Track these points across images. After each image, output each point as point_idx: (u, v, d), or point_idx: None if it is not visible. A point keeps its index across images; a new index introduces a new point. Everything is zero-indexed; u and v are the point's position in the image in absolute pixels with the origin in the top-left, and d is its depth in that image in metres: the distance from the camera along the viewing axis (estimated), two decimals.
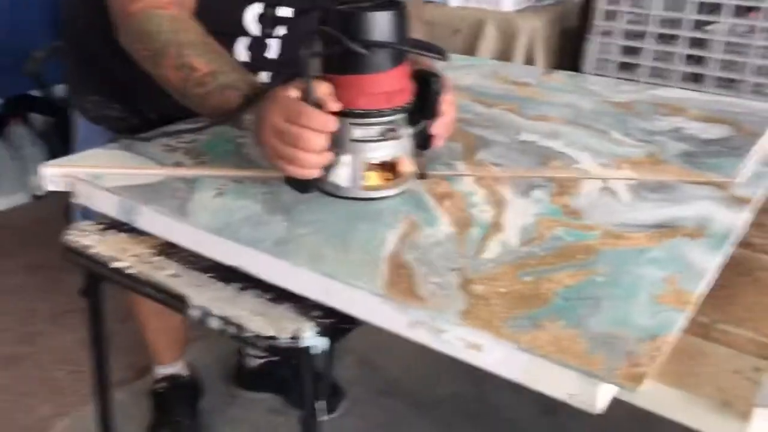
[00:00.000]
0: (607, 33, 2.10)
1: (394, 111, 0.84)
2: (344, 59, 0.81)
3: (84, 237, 0.92)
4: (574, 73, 1.62)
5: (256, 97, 0.85)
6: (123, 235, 0.92)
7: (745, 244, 0.85)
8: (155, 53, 0.90)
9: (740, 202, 0.88)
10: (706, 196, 0.89)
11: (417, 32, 1.08)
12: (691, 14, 1.98)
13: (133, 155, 0.99)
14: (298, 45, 0.80)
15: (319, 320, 0.75)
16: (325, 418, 0.96)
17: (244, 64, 1.08)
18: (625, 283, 0.70)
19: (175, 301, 0.82)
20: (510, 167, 0.97)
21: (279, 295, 0.78)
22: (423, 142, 0.91)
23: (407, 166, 0.89)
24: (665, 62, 2.06)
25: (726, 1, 1.91)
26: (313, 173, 0.81)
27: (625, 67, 2.13)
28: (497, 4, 2.25)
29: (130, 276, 0.86)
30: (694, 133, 1.11)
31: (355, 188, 0.86)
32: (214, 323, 0.78)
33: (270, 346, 0.74)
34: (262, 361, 1.68)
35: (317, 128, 0.78)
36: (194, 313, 0.80)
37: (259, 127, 0.82)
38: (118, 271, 0.87)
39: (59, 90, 1.41)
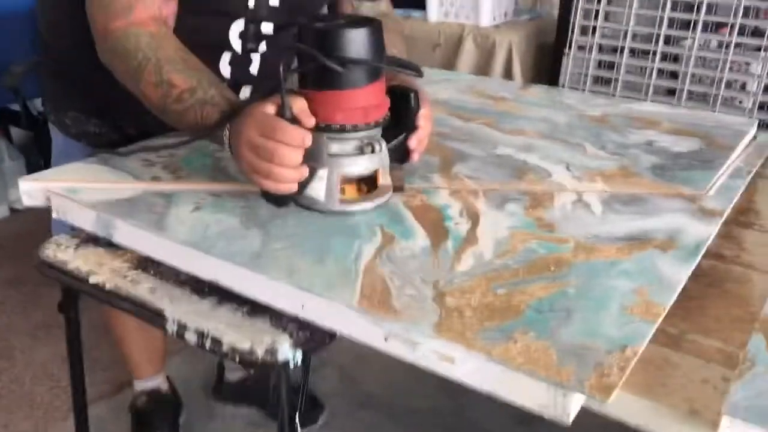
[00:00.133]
0: (582, 48, 2.14)
1: (371, 126, 0.85)
2: (320, 75, 0.82)
3: (60, 251, 0.92)
4: (550, 87, 1.64)
5: (234, 112, 0.85)
6: (100, 249, 0.92)
7: (715, 255, 0.86)
8: (134, 70, 0.91)
9: (711, 214, 0.90)
10: (677, 208, 0.91)
11: (397, 46, 1.09)
12: (664, 30, 2.01)
13: (112, 169, 0.99)
14: (277, 61, 0.81)
15: (295, 333, 0.76)
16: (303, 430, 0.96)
17: (227, 79, 1.09)
18: (596, 295, 0.71)
19: (153, 316, 0.82)
20: (485, 180, 0.99)
21: (255, 308, 0.78)
22: (400, 155, 0.92)
23: (384, 179, 0.90)
24: (640, 76, 2.09)
25: (698, 18, 1.95)
26: (289, 188, 0.82)
27: (600, 81, 2.17)
28: (476, 19, 2.27)
29: (107, 291, 0.86)
30: (666, 146, 1.13)
31: (332, 202, 0.87)
32: (191, 337, 0.78)
33: (246, 359, 0.74)
34: (242, 374, 1.67)
35: (292, 143, 0.78)
36: (170, 327, 0.80)
37: (236, 142, 0.83)
38: (95, 286, 0.86)
39: (38, 104, 1.41)
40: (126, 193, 0.92)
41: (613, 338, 0.64)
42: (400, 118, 0.90)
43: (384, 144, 0.88)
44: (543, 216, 0.88)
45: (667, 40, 2.04)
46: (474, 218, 0.87)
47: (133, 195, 0.92)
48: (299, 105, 0.81)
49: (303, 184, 0.84)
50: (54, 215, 0.94)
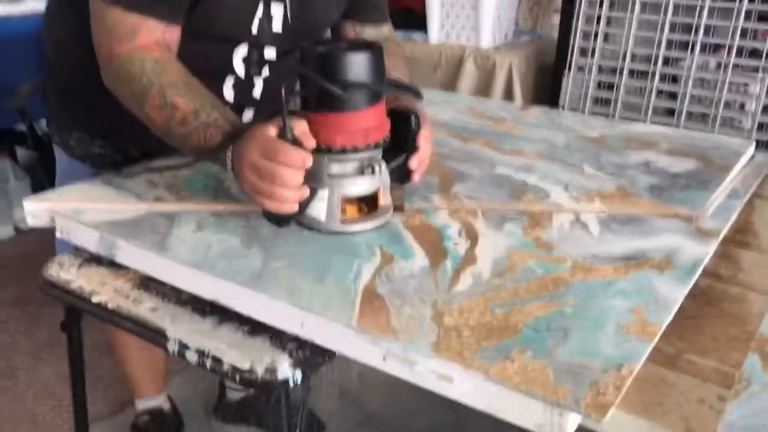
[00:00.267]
0: (582, 69, 2.16)
1: (371, 147, 0.86)
2: (322, 98, 0.83)
3: (64, 271, 0.93)
4: (549, 108, 1.65)
5: (236, 134, 0.87)
6: (103, 269, 0.93)
7: (712, 275, 0.87)
8: (139, 94, 0.92)
9: (708, 234, 0.90)
10: (674, 228, 0.92)
11: (400, 69, 1.11)
12: (663, 51, 2.03)
13: (115, 190, 1.00)
14: (280, 84, 0.83)
15: (295, 352, 0.76)
16: None
17: (230, 102, 1.11)
18: (593, 315, 0.72)
19: (155, 335, 0.83)
20: (484, 201, 1.00)
21: (256, 327, 0.79)
22: (401, 176, 0.94)
23: (384, 200, 0.91)
24: (639, 97, 2.11)
25: (696, 39, 1.97)
26: (290, 208, 0.83)
27: (600, 101, 2.18)
28: (476, 40, 2.29)
29: (109, 310, 0.87)
30: (663, 167, 1.14)
31: (333, 222, 0.88)
32: (192, 356, 0.79)
33: (246, 378, 0.75)
34: (243, 393, 1.67)
35: (293, 165, 0.80)
36: (172, 347, 0.80)
37: (238, 164, 0.84)
38: (98, 306, 0.87)
39: (44, 124, 1.42)
40: (129, 214, 0.93)
41: (610, 357, 0.65)
42: (400, 139, 0.91)
43: (384, 165, 0.89)
44: (541, 236, 0.89)
45: (666, 62, 2.05)
46: (473, 238, 0.88)
47: (136, 215, 0.93)
48: (300, 127, 0.82)
49: (304, 205, 0.85)
50: (58, 235, 0.95)
